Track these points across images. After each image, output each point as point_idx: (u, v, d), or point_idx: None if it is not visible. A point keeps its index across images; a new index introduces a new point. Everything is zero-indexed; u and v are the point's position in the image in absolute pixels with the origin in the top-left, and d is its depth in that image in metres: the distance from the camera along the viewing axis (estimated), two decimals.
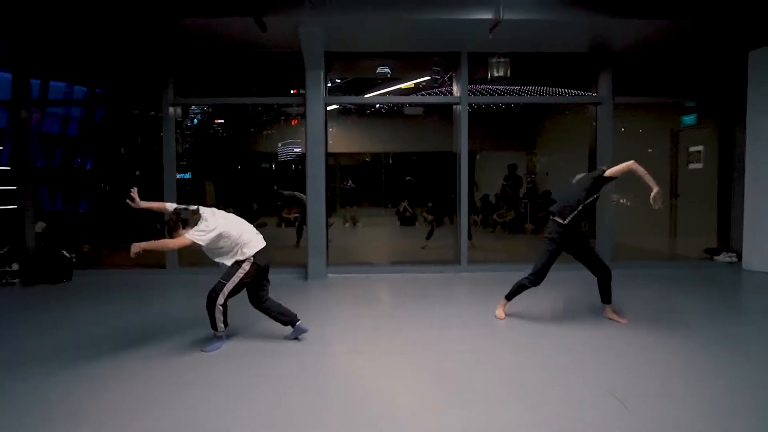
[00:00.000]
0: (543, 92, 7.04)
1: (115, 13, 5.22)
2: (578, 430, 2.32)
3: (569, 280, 5.66)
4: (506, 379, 2.93)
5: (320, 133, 6.04)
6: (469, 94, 6.32)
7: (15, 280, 5.75)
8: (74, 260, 6.19)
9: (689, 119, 7.58)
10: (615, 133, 6.50)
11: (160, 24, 5.42)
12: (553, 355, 3.32)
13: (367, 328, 4.01)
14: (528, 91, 7.10)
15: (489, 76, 6.39)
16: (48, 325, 4.17)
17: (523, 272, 6.08)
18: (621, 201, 8.35)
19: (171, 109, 6.32)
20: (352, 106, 10.91)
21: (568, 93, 6.87)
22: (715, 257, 6.68)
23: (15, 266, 5.80)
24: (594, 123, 6.59)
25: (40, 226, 6.47)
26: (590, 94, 6.61)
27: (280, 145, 13.07)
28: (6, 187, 7.89)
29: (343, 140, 12.34)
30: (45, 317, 4.43)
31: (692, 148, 7.48)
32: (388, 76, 7.20)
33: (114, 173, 10.92)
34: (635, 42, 6.01)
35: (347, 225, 11.12)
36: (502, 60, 6.26)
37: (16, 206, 6.28)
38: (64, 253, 6.00)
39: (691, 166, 7.51)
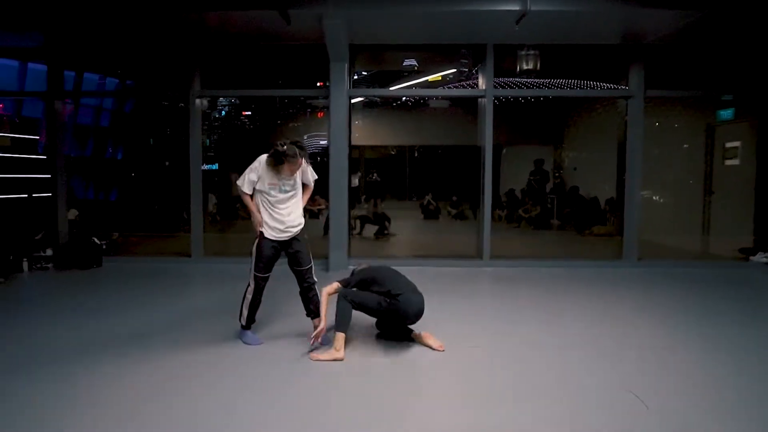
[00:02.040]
0: (571, 85, 6.88)
1: (144, 6, 5.37)
2: (597, 428, 2.31)
3: (579, 277, 5.58)
4: (524, 375, 2.92)
5: (344, 126, 6.09)
6: (495, 87, 6.24)
7: (48, 265, 6.04)
8: (104, 247, 6.44)
9: (726, 114, 7.30)
10: (646, 127, 6.32)
11: (188, 17, 5.53)
12: (571, 352, 3.29)
13: None
14: (556, 84, 6.96)
15: (518, 69, 6.29)
16: (77, 308, 4.37)
17: (546, 268, 6.09)
18: (654, 198, 8.15)
19: (197, 101, 6.46)
20: (378, 99, 10.93)
21: (598, 86, 6.69)
22: (751, 257, 6.44)
23: (49, 251, 6.09)
24: (624, 117, 6.42)
25: (72, 213, 6.76)
26: (621, 87, 6.43)
27: (305, 137, 13.23)
28: (41, 175, 8.30)
29: (368, 133, 12.37)
30: (75, 301, 4.64)
31: (729, 144, 7.20)
32: (415, 68, 7.19)
33: (143, 163, 11.27)
34: (668, 33, 5.80)
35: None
36: (532, 52, 6.16)
37: (50, 194, 6.55)
38: (95, 240, 6.26)
39: (728, 162, 7.24)
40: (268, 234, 3.35)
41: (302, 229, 3.50)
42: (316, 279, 3.56)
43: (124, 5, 5.36)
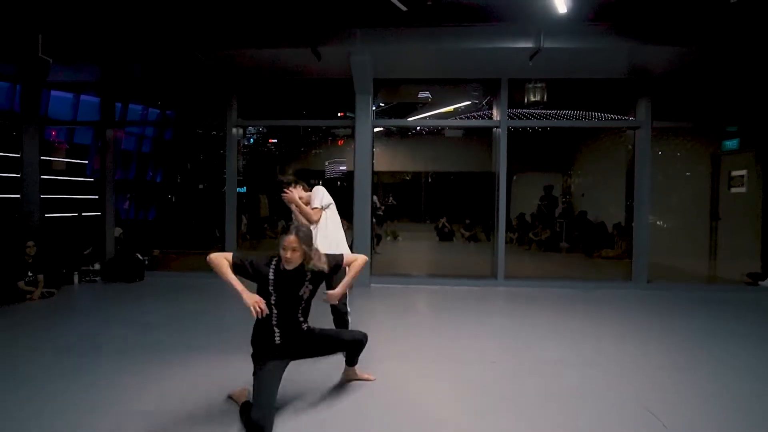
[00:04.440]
0: (581, 116, 6.94)
1: (186, 45, 5.64)
2: None
3: (591, 297, 5.53)
4: (541, 390, 2.90)
5: (367, 153, 6.23)
6: (510, 118, 6.35)
7: (96, 278, 6.23)
8: (146, 262, 6.61)
9: (731, 144, 7.26)
10: (653, 156, 6.32)
11: (226, 54, 5.78)
12: (586, 369, 3.27)
13: (406, 336, 4.06)
14: (566, 115, 7.03)
15: (526, 101, 6.39)
16: (124, 318, 4.49)
17: (558, 288, 6.04)
18: (658, 223, 8.07)
19: (234, 130, 6.69)
20: (394, 128, 11.12)
21: (607, 117, 6.73)
22: (759, 282, 6.30)
23: (97, 266, 6.28)
24: (630, 147, 6.45)
25: (117, 231, 6.97)
26: (629, 118, 6.47)
27: (326, 163, 13.48)
28: (90, 196, 8.59)
29: (386, 160, 12.55)
30: (122, 311, 4.78)
31: (734, 173, 7.14)
32: (429, 101, 7.33)
33: (180, 186, 11.60)
34: (674, 67, 5.88)
35: (388, 239, 11.24)
36: (539, 85, 6.28)
37: (99, 213, 6.78)
38: (138, 255, 6.43)
39: (734, 189, 7.16)
40: None
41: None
42: (348, 309, 3.38)
43: (169, 44, 5.65)
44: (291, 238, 2.46)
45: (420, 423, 2.46)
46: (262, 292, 2.54)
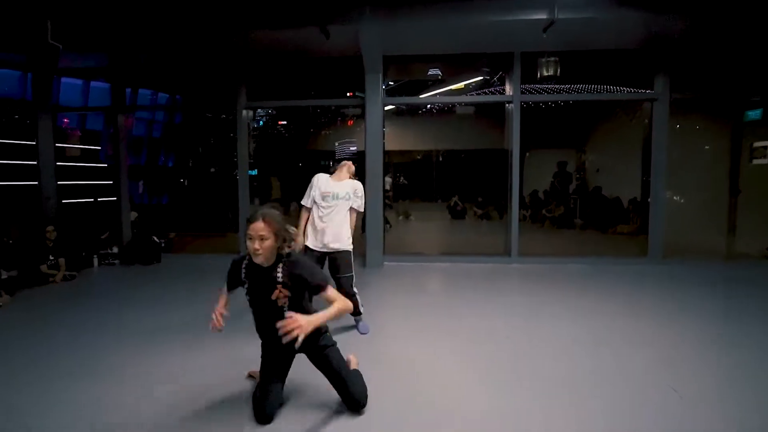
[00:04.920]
0: (596, 90, 6.77)
1: (195, 28, 5.60)
2: (632, 417, 2.31)
3: (606, 274, 5.49)
4: (552, 369, 2.91)
5: (378, 132, 6.18)
6: (522, 93, 6.22)
7: (115, 261, 6.37)
8: (163, 245, 6.73)
9: (754, 114, 7.03)
10: (670, 128, 6.16)
11: (235, 36, 5.73)
12: (602, 347, 3.27)
13: (418, 314, 4.09)
14: (581, 89, 6.87)
15: (538, 76, 6.25)
16: (144, 299, 4.61)
17: (573, 264, 6.02)
18: (675, 198, 7.93)
19: (244, 112, 6.68)
20: (404, 107, 11.00)
21: (623, 90, 6.55)
22: None
23: (115, 249, 6.42)
24: (646, 121, 6.29)
25: (133, 215, 7.08)
26: (646, 91, 6.29)
27: (336, 143, 13.44)
28: (104, 182, 8.72)
29: (396, 138, 12.47)
30: (141, 293, 4.90)
31: (757, 144, 6.94)
32: (439, 77, 7.22)
33: (192, 170, 11.70)
34: (693, 36, 5.67)
35: (400, 218, 11.27)
36: (552, 59, 6.12)
37: (114, 198, 6.89)
38: (155, 238, 6.55)
39: (756, 161, 6.98)
40: (309, 243, 3.48)
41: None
42: (356, 290, 3.52)
43: (179, 28, 5.62)
44: (258, 225, 2.04)
45: (426, 401, 2.51)
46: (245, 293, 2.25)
